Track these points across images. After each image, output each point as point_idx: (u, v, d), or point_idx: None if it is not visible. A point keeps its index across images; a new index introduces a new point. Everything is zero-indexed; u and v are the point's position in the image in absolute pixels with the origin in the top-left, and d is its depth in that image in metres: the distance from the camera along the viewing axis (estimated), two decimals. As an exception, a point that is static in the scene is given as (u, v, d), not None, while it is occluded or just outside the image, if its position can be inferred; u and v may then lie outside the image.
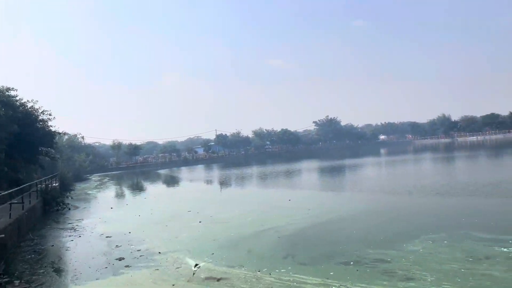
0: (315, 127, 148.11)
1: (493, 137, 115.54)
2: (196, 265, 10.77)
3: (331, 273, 9.25)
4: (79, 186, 45.35)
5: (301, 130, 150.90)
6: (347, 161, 58.86)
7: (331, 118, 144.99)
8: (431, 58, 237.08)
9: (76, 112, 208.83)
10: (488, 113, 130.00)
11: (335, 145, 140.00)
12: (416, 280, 8.42)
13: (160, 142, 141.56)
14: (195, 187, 39.95)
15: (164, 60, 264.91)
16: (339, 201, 21.38)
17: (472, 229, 12.10)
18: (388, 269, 9.28)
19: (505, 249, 9.89)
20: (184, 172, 68.10)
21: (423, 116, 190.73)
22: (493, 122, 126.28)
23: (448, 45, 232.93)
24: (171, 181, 51.35)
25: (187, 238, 14.35)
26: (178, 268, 10.58)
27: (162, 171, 76.50)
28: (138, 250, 12.83)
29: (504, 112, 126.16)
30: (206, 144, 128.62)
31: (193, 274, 10.19)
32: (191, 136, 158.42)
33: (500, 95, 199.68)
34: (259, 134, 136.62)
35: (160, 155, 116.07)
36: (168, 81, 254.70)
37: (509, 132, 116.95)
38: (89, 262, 11.78)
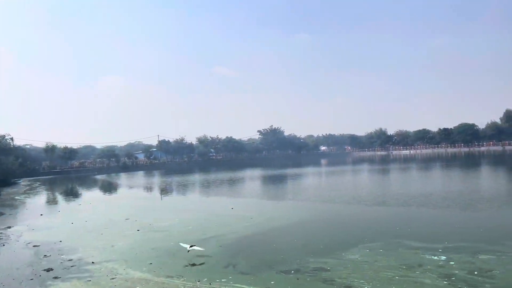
0: (260, 136, 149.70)
1: (424, 151, 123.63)
2: (192, 245, 11.85)
3: (272, 282, 9.21)
4: (6, 191, 42.03)
5: (245, 139, 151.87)
6: (290, 170, 59.91)
7: (275, 128, 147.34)
8: (369, 75, 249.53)
9: (5, 112, 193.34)
10: (420, 128, 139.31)
11: (278, 154, 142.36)
12: (354, 288, 8.62)
13: (98, 146, 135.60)
14: (134, 194, 38.52)
15: (105, 61, 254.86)
16: (281, 209, 21.57)
17: (405, 238, 12.66)
18: (327, 277, 9.41)
19: (435, 257, 10.43)
20: (123, 178, 65.58)
21: (361, 129, 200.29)
22: (424, 137, 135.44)
23: (385, 63, 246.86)
24: (109, 187, 49.19)
25: (123, 247, 13.69)
26: (112, 278, 10.00)
27: (100, 177, 73.17)
28: (69, 260, 12.01)
29: (433, 128, 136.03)
30: (147, 149, 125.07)
31: (188, 251, 11.74)
32: (132, 141, 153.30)
33: (429, 112, 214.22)
34: (203, 141, 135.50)
35: (98, 160, 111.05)
36: (109, 82, 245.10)
37: (437, 146, 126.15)
38: (13, 273, 10.83)
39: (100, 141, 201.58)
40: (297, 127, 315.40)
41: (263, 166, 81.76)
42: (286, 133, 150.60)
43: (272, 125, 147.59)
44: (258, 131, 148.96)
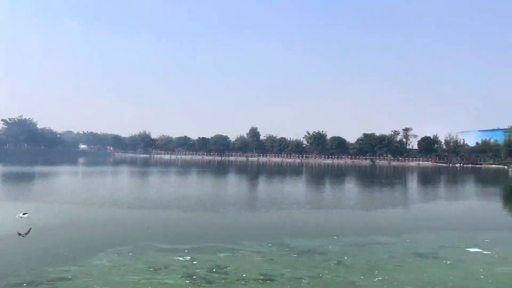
0: (4, 126, 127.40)
1: (184, 156, 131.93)
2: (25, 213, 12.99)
3: (-5, 300, 7.75)
4: None
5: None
6: (39, 168, 53.06)
7: (24, 118, 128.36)
8: (141, 78, 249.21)
9: None
10: (182, 135, 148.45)
11: (27, 149, 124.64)
12: (96, 296, 8.14)
13: None
14: None
15: None
16: (19, 213, 18.63)
17: (156, 241, 12.90)
18: (67, 287, 8.59)
19: (181, 258, 11.00)
20: None
21: (126, 131, 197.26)
22: (185, 143, 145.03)
23: (158, 67, 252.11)
24: None
25: None
26: None
27: None
28: None
29: (194, 136, 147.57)
30: None
31: (20, 217, 13.05)
32: None
33: (190, 121, 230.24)
34: None
35: None
36: None
37: (196, 153, 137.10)
38: None
39: None
40: (55, 121, 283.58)
41: (5, 162, 69.78)
42: (39, 126, 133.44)
43: (21, 115, 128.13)
44: (3, 120, 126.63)
